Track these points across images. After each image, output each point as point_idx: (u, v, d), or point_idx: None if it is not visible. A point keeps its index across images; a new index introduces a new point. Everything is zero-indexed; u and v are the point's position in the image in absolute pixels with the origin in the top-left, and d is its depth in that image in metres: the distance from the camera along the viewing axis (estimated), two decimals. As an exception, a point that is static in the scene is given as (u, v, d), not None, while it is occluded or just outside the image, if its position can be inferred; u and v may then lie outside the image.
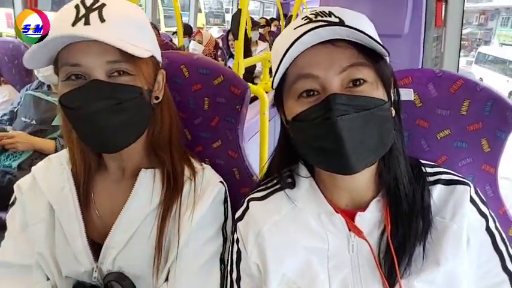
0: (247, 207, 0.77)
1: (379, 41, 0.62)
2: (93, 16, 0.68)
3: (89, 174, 0.84)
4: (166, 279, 0.78)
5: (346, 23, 0.62)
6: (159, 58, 0.81)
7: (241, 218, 0.77)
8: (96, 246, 0.81)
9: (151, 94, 0.78)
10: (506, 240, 0.69)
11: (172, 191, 0.80)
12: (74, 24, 0.67)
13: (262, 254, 0.72)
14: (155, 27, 3.68)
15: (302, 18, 0.66)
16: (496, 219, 0.70)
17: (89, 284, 0.82)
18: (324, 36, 0.61)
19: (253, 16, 6.22)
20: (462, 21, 2.08)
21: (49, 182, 0.84)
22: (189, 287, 0.78)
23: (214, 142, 0.97)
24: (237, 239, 0.76)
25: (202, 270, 0.79)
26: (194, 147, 0.97)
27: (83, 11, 0.68)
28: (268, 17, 7.30)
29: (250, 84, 1.97)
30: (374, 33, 0.66)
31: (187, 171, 0.83)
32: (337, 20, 0.62)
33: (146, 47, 0.73)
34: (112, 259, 0.79)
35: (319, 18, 0.63)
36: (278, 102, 0.71)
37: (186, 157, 0.86)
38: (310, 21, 0.64)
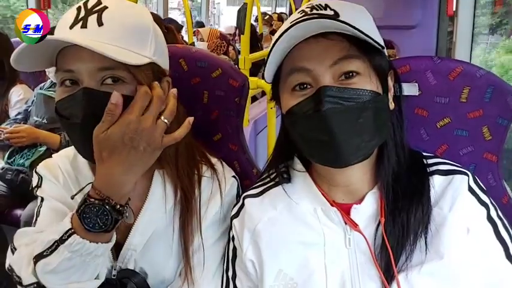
0: (242, 204, 0.77)
1: (371, 35, 0.62)
2: (92, 19, 0.66)
3: None
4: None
5: (341, 16, 0.61)
6: (165, 65, 0.75)
7: (236, 215, 0.77)
8: (117, 246, 0.78)
9: None
10: (509, 228, 0.67)
11: (187, 192, 0.79)
12: (71, 26, 0.65)
13: (257, 251, 0.71)
14: (174, 25, 3.55)
15: (298, 12, 0.66)
16: (497, 208, 0.68)
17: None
18: (313, 30, 0.62)
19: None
20: (474, 11, 2.03)
21: (66, 179, 0.81)
22: (205, 281, 0.77)
23: (214, 135, 0.97)
24: (233, 237, 0.76)
25: (216, 265, 0.79)
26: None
27: (82, 13, 0.66)
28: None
29: (256, 79, 1.98)
30: (370, 27, 0.66)
31: (207, 173, 0.82)
32: (331, 13, 0.62)
33: (146, 53, 0.69)
34: (133, 261, 0.79)
35: (314, 11, 0.64)
36: (276, 95, 0.72)
37: (204, 158, 0.84)
38: (306, 14, 0.64)
